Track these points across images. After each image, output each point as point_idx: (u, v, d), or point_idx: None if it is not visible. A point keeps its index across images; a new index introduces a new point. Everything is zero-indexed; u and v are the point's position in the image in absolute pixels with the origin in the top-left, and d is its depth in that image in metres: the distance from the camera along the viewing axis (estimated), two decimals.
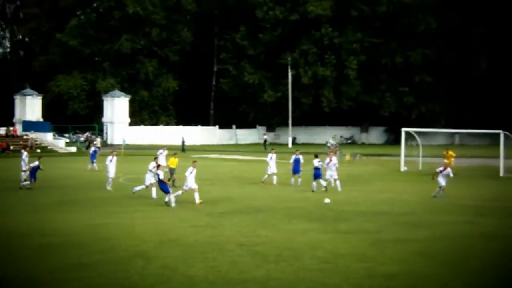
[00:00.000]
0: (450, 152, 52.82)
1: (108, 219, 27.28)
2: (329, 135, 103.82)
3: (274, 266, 19.01)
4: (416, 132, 59.89)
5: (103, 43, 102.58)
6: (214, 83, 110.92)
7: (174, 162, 40.32)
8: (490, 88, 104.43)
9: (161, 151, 47.00)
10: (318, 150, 54.35)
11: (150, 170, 34.52)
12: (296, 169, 41.70)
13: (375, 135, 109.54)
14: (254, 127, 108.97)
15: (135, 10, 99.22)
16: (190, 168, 32.52)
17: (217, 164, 61.58)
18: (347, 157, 65.15)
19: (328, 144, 74.77)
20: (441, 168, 35.57)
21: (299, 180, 41.37)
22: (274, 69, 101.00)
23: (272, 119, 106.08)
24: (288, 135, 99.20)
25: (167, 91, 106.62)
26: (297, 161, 41.88)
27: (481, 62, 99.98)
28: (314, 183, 38.22)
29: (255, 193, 37.07)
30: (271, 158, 42.67)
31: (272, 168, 42.42)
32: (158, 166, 33.76)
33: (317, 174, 38.21)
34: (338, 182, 38.96)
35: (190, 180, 32.28)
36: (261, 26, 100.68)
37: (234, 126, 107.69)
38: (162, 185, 32.14)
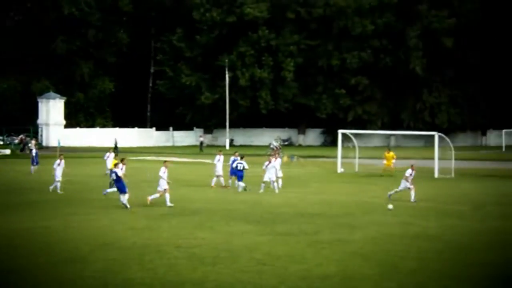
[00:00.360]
0: (391, 154, 53.25)
1: (45, 222, 26.83)
2: (266, 137, 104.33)
3: (211, 268, 18.94)
4: (352, 134, 60.43)
5: (38, 44, 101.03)
6: (151, 84, 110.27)
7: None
8: (425, 90, 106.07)
9: (107, 154, 46.45)
10: (257, 151, 54.67)
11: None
12: (234, 171, 41.61)
13: (312, 136, 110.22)
14: (192, 129, 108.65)
15: (70, 10, 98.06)
16: (163, 169, 32.40)
17: (154, 166, 61.06)
18: (285, 159, 65.21)
19: (271, 146, 75.07)
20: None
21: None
22: (211, 71, 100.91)
23: (210, 121, 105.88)
24: (225, 137, 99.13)
25: (103, 93, 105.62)
26: (234, 163, 41.83)
27: (416, 64, 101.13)
28: (239, 184, 39.26)
29: (193, 195, 36.90)
30: (219, 160, 42.45)
31: (219, 170, 42.22)
32: (116, 164, 33.47)
33: (239, 175, 38.94)
34: (276, 184, 39.04)
35: (162, 181, 32.23)
36: (198, 28, 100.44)
37: (171, 128, 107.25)
38: (119, 184, 31.65)
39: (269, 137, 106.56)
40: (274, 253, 20.99)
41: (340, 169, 54.96)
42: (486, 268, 19.13)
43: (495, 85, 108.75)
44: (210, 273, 18.38)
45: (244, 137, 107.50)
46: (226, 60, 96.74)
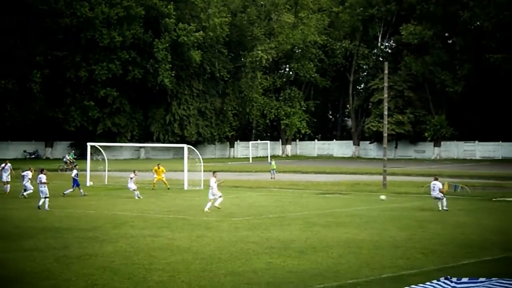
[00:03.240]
0: (162, 168, 53.40)
1: None
2: (12, 151, 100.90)
3: None
4: (101, 147, 59.89)
5: None
6: None
7: None
8: (174, 102, 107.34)
9: (3, 165, 48.51)
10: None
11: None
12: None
13: (60, 149, 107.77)
14: None
15: None
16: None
17: None
18: (31, 173, 63.44)
19: (64, 159, 73.57)
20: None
21: None
22: None
23: None
24: None
25: None
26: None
27: (165, 77, 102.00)
28: None
29: None
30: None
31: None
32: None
33: None
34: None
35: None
36: None
37: None
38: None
39: (14, 150, 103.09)
40: (21, 269, 20.23)
41: (88, 182, 54.24)
42: (234, 278, 19.51)
43: (241, 98, 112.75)
44: None
45: None
46: None
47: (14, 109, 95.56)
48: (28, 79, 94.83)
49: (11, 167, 51.16)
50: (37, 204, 37.09)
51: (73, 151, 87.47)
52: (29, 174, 42.91)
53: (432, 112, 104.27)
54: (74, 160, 73.25)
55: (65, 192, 45.26)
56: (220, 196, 36.50)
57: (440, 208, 36.19)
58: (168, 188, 51.20)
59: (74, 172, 46.93)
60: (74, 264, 21.21)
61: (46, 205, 36.75)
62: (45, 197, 37.07)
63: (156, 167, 54.19)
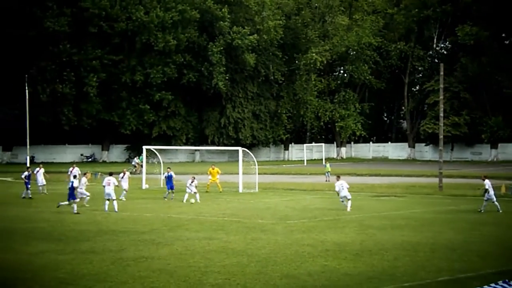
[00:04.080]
0: (216, 169, 53.49)
1: None
2: (69, 154, 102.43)
3: None
4: (157, 150, 60.30)
5: None
6: None
7: None
8: (229, 105, 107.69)
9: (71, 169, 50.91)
10: (59, 169, 53.63)
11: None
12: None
13: (116, 153, 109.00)
14: None
15: None
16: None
17: None
18: (88, 176, 64.07)
19: (133, 163, 74.45)
20: None
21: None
22: (10, 86, 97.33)
23: (9, 138, 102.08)
24: (26, 154, 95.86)
25: None
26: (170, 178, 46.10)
27: (219, 80, 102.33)
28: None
29: None
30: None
31: None
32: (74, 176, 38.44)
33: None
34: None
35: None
36: None
37: None
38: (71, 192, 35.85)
39: (72, 153, 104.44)
40: (77, 271, 20.43)
41: (144, 185, 54.66)
42: (289, 281, 19.45)
43: (295, 101, 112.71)
44: None
45: (45, 154, 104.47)
46: (26, 75, 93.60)
47: (71, 113, 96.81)
48: (85, 83, 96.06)
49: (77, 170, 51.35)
50: (104, 208, 37.35)
51: (142, 154, 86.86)
52: (83, 179, 41.34)
53: (489, 114, 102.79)
54: (141, 164, 73.18)
55: (166, 197, 45.32)
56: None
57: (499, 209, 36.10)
58: (221, 191, 51.29)
59: (168, 173, 46.99)
60: (131, 266, 21.35)
61: (116, 207, 37.19)
62: (113, 199, 37.42)
63: (210, 168, 54.26)
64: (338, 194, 38.56)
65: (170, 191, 45.48)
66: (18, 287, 18.47)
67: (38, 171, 50.08)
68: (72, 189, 36.75)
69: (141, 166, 66.85)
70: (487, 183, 36.89)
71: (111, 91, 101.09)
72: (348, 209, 37.03)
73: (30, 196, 46.07)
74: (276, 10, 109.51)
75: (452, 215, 35.42)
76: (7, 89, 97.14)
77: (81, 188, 39.35)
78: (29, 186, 46.41)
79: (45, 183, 49.90)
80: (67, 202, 36.97)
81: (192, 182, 43.32)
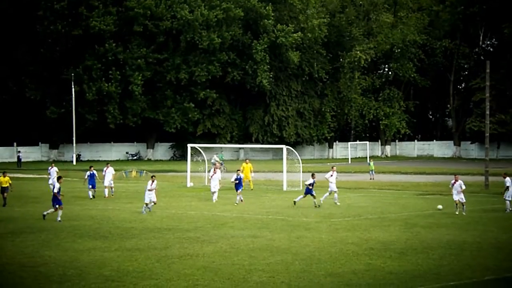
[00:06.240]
0: (250, 164, 53.21)
1: None
2: (114, 152, 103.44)
3: (58, 286, 18.38)
4: (201, 148, 60.52)
5: None
6: None
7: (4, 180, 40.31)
8: (273, 103, 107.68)
9: (105, 168, 46.49)
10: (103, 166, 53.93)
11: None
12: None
13: (161, 151, 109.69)
14: (37, 144, 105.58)
15: None
16: None
17: None
18: (133, 173, 64.70)
19: (213, 160, 75.07)
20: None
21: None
22: (57, 85, 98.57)
23: (56, 136, 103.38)
24: (72, 152, 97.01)
25: None
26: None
27: (264, 78, 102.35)
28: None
29: (38, 212, 35.79)
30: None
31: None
32: (59, 178, 34.66)
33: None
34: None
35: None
36: (42, 40, 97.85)
37: (15, 144, 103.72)
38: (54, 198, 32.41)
39: (117, 152, 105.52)
40: (123, 269, 20.61)
41: (189, 183, 54.89)
42: (333, 279, 19.44)
43: (339, 99, 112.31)
44: None
45: (91, 152, 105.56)
46: (72, 74, 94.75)
47: (117, 111, 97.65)
48: (130, 81, 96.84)
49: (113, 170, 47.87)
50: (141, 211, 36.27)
51: (222, 152, 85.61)
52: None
53: None
54: (223, 161, 72.42)
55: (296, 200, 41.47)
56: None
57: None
58: (252, 189, 50.89)
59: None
60: (176, 264, 21.49)
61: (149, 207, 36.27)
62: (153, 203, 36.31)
63: (244, 163, 53.25)
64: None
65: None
66: (66, 284, 18.68)
67: (105, 170, 45.85)
68: (58, 193, 32.53)
69: (221, 164, 65.53)
70: (508, 180, 36.54)
71: (156, 89, 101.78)
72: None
73: (92, 196, 44.28)
74: (320, 8, 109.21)
75: (498, 214, 35.09)
76: (55, 88, 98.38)
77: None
78: (95, 185, 44.48)
79: (113, 184, 46.28)
80: (52, 210, 32.74)
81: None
